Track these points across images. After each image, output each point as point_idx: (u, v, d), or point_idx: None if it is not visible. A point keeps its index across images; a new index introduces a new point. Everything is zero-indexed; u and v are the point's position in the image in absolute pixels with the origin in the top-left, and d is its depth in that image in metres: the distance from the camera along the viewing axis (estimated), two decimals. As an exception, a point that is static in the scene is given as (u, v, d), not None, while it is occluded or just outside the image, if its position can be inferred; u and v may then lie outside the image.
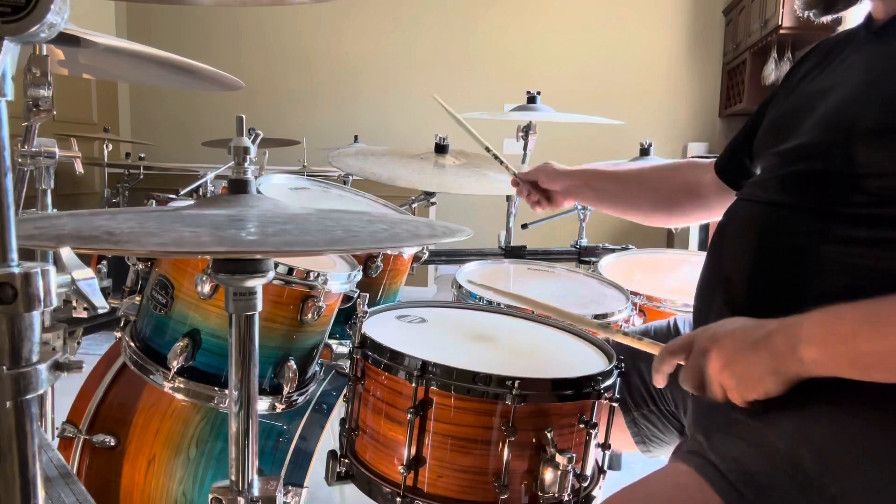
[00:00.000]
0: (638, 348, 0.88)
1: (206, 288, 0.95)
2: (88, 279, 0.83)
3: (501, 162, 1.38)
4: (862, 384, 0.68)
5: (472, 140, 1.38)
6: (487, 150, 1.38)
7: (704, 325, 0.84)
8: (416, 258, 1.53)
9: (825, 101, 0.85)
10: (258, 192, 0.70)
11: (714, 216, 1.16)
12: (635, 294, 1.44)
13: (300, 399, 1.09)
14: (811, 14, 0.92)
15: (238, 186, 0.69)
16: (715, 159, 1.15)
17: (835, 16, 0.92)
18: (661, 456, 1.14)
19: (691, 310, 0.99)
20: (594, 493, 0.88)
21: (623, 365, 0.89)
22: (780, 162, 0.88)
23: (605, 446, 0.89)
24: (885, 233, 0.74)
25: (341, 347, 1.34)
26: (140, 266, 1.13)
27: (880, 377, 0.67)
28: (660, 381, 0.82)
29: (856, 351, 0.67)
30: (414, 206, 2.14)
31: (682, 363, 0.80)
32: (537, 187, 1.31)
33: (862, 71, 0.83)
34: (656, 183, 1.24)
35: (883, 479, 0.67)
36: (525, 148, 2.20)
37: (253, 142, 1.03)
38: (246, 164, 0.69)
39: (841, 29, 0.99)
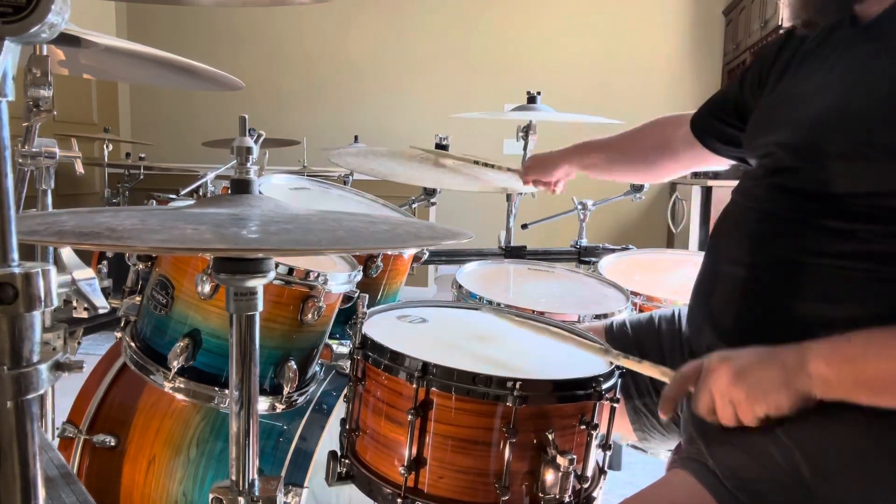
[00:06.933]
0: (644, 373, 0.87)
1: (207, 288, 0.95)
2: (89, 279, 0.83)
3: (506, 168, 1.62)
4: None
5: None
6: (480, 163, 1.63)
7: (698, 327, 0.84)
8: (416, 258, 1.53)
9: (801, 110, 0.86)
10: (260, 192, 0.70)
11: (684, 168, 1.33)
12: (635, 294, 1.44)
13: (300, 399, 1.09)
14: (796, 25, 0.94)
15: (240, 186, 0.69)
16: (690, 115, 1.22)
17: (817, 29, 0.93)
18: (656, 449, 1.13)
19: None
20: (595, 493, 0.88)
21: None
22: (765, 172, 0.90)
23: (605, 447, 0.89)
24: (861, 246, 0.75)
25: (341, 347, 1.34)
26: (140, 266, 1.13)
27: (888, 401, 0.68)
28: (668, 410, 0.81)
29: (863, 372, 0.68)
30: (414, 206, 2.14)
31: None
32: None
33: (839, 78, 0.84)
34: (631, 146, 1.41)
35: (871, 477, 0.69)
36: (525, 148, 2.20)
37: (255, 142, 1.02)
38: (248, 165, 0.69)
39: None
